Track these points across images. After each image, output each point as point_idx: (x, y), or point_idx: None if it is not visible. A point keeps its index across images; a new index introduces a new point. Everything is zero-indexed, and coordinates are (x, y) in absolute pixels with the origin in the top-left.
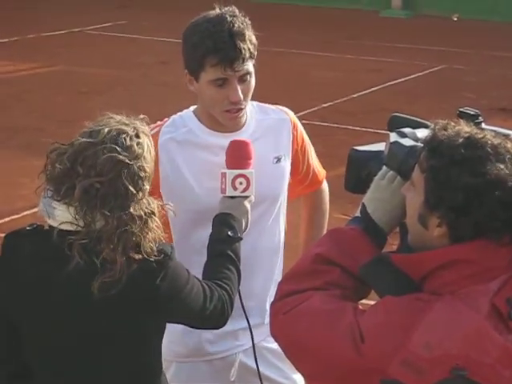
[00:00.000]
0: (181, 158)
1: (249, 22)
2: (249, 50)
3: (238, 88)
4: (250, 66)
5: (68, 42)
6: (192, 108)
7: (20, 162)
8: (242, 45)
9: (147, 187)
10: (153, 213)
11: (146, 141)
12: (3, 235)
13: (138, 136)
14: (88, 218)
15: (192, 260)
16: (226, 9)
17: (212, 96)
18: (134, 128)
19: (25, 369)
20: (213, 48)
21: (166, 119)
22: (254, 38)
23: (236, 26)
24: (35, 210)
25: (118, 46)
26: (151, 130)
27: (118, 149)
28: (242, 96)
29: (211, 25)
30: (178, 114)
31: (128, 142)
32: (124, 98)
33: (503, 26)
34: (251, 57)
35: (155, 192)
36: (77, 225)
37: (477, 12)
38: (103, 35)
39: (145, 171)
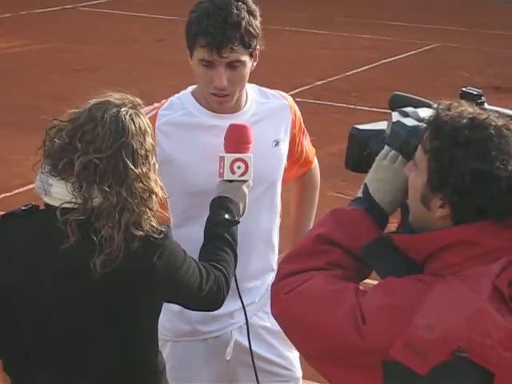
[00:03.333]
0: (179, 141)
1: (254, 9)
2: (241, 38)
3: (224, 74)
4: (242, 54)
5: (61, 19)
6: (190, 88)
7: (15, 139)
8: (233, 33)
9: (149, 164)
10: (153, 191)
11: (145, 118)
12: None
13: (137, 113)
14: (85, 195)
15: (190, 244)
16: None
17: (200, 75)
18: (134, 105)
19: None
20: (204, 30)
21: (164, 101)
22: (255, 28)
23: (235, 13)
24: (29, 187)
25: (112, 23)
26: (148, 113)
27: (118, 125)
28: (225, 82)
29: (211, 6)
30: (176, 95)
31: (127, 119)
32: (118, 75)
33: (498, 4)
34: (245, 46)
35: None
36: (74, 202)
37: None
38: (97, 12)
39: (144, 148)
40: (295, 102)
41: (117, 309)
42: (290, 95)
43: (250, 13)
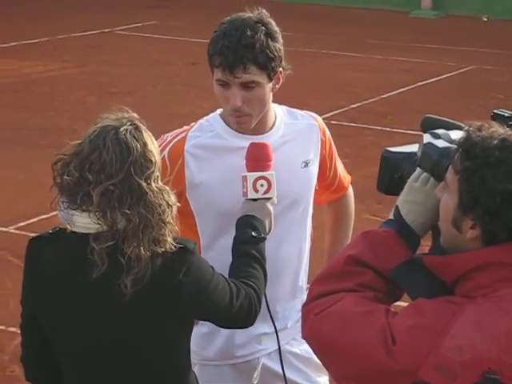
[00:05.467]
0: (208, 163)
1: (275, 32)
2: (255, 59)
3: (238, 94)
4: (256, 75)
5: (98, 43)
6: (219, 111)
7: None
8: (245, 54)
9: (158, 176)
10: (167, 204)
11: (145, 131)
12: (32, 235)
13: (136, 129)
14: (111, 220)
15: (220, 265)
16: (256, 14)
17: (218, 95)
18: (132, 122)
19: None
20: (218, 50)
21: (193, 123)
22: (272, 50)
23: (249, 34)
24: None
25: (148, 47)
26: (177, 135)
27: (121, 146)
28: (239, 103)
29: (229, 27)
30: (205, 117)
31: (129, 138)
32: (154, 98)
33: None
34: (260, 68)
35: (180, 197)
36: (102, 231)
37: (507, 12)
38: (133, 36)
39: (151, 162)
40: (330, 124)
41: (146, 329)
42: (325, 118)
43: (269, 35)
